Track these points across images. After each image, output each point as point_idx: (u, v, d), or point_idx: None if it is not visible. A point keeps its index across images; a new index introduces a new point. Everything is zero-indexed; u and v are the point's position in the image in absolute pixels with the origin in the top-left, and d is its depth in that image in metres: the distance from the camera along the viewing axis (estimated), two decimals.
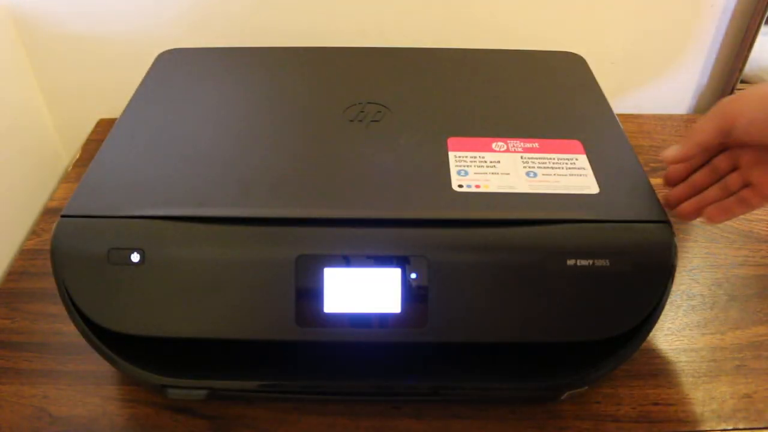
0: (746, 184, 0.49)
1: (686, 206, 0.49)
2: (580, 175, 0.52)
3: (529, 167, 0.52)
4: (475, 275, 0.46)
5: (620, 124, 0.59)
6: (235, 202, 0.49)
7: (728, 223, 0.75)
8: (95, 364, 0.56)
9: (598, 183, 0.51)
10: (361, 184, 0.51)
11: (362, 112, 0.59)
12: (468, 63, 0.70)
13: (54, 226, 0.47)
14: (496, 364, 0.52)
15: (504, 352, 0.52)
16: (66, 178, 0.82)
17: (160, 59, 0.70)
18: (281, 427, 0.53)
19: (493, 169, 0.52)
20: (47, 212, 0.77)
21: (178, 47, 0.72)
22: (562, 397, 0.53)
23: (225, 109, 0.61)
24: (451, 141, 0.55)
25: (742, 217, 0.75)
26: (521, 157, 0.53)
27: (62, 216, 0.47)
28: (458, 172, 0.51)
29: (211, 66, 0.69)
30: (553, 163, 0.53)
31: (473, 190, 0.50)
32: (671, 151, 0.50)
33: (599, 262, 0.46)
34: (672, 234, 0.47)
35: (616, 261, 0.46)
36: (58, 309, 0.49)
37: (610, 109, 0.61)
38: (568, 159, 0.53)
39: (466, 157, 0.53)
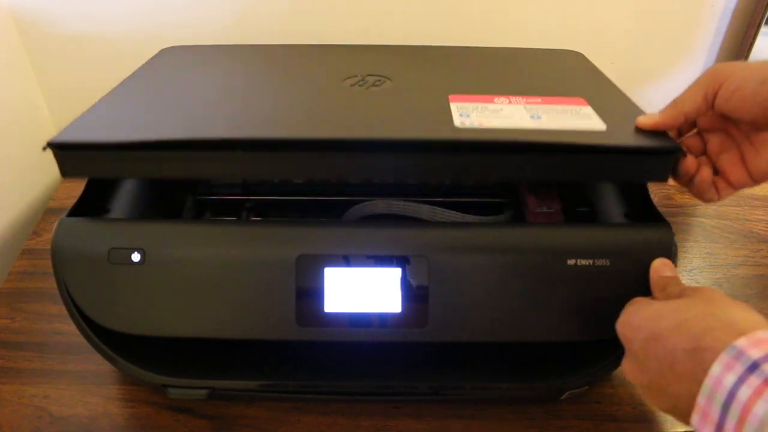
0: (716, 170, 0.48)
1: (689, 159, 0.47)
2: (586, 118, 0.50)
3: (533, 113, 0.50)
4: (475, 275, 0.46)
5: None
6: (232, 129, 0.48)
7: (728, 223, 0.75)
8: (96, 364, 0.57)
9: (605, 124, 0.49)
10: (359, 117, 0.50)
11: (362, 81, 0.58)
12: (469, 56, 0.69)
13: (55, 225, 0.47)
14: (497, 364, 0.52)
15: (504, 352, 0.52)
16: (66, 178, 0.82)
17: (162, 52, 0.69)
18: (281, 427, 0.53)
19: (495, 114, 0.50)
20: (48, 212, 0.77)
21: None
22: (563, 397, 0.53)
23: (224, 81, 0.61)
24: (453, 97, 0.53)
25: (742, 217, 0.76)
26: (525, 107, 0.52)
27: (50, 144, 0.45)
28: (460, 114, 0.50)
29: (213, 57, 0.69)
30: (558, 111, 0.51)
31: (476, 125, 0.48)
32: (648, 118, 0.48)
33: (599, 262, 0.46)
34: (672, 234, 0.47)
35: (616, 261, 0.46)
36: (59, 309, 0.49)
37: (613, 84, 0.60)
38: (572, 108, 0.52)
39: (468, 106, 0.51)
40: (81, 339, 0.48)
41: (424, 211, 0.60)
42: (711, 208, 0.77)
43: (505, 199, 0.63)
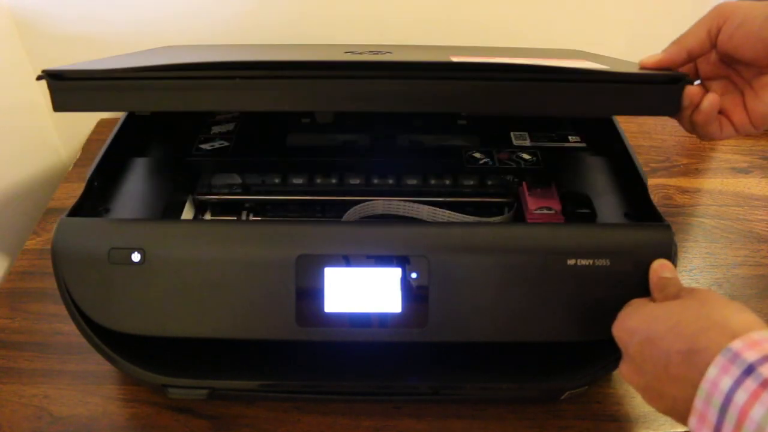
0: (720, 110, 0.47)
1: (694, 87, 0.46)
2: (589, 65, 0.50)
3: (537, 60, 0.50)
4: (475, 275, 0.47)
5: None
6: (229, 58, 0.47)
7: (728, 222, 0.75)
8: (96, 364, 0.57)
9: (608, 66, 0.49)
10: (360, 57, 0.50)
11: (362, 53, 0.57)
12: (470, 50, 0.69)
13: (55, 226, 0.47)
14: (497, 364, 0.52)
15: (504, 351, 0.52)
16: (66, 178, 0.82)
17: (159, 48, 0.69)
18: (281, 427, 0.53)
19: (497, 59, 0.49)
20: (48, 212, 0.77)
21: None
22: (563, 397, 0.53)
23: (222, 51, 0.61)
24: (454, 56, 0.52)
25: (742, 216, 0.76)
26: (526, 60, 0.51)
27: (45, 72, 0.44)
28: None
29: (213, 47, 0.69)
30: (560, 62, 0.51)
31: (476, 60, 0.47)
32: (651, 57, 0.48)
33: (599, 262, 0.46)
34: (672, 234, 0.47)
35: (616, 261, 0.46)
36: (59, 309, 0.49)
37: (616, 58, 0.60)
38: (575, 62, 0.51)
39: (470, 59, 0.50)
40: (81, 339, 0.48)
41: (424, 211, 0.60)
42: (711, 209, 0.77)
43: (505, 199, 0.63)
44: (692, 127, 0.47)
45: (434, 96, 0.45)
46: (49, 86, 0.44)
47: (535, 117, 0.68)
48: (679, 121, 0.48)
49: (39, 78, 0.44)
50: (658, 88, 0.46)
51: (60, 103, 0.45)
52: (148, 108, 0.46)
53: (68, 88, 0.45)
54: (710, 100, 0.45)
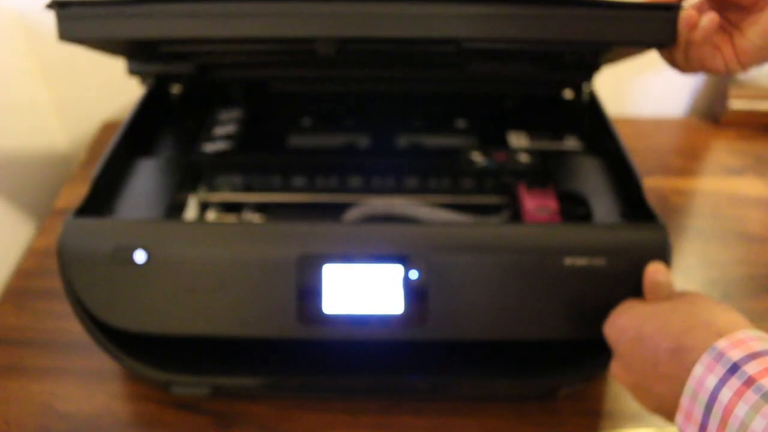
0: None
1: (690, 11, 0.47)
2: None
3: None
4: (474, 274, 0.47)
5: None
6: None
7: (723, 222, 0.75)
8: (101, 362, 0.57)
9: None
10: None
11: None
12: None
13: (61, 226, 0.48)
14: (495, 362, 0.53)
15: (503, 349, 0.53)
16: (72, 179, 0.82)
17: None
18: (283, 424, 0.54)
19: None
20: (54, 213, 0.77)
21: None
22: (559, 394, 0.54)
23: None
24: None
25: (735, 217, 0.76)
26: None
27: (53, 2, 0.44)
28: None
29: None
30: None
31: None
32: None
33: (596, 262, 0.47)
34: (666, 234, 0.48)
35: (612, 260, 0.47)
36: (65, 307, 0.50)
37: None
38: None
39: None
40: (86, 337, 0.49)
41: (424, 211, 0.61)
42: (705, 209, 0.78)
43: (503, 199, 0.63)
44: (686, 54, 0.48)
45: (434, 19, 0.45)
46: (56, 15, 0.45)
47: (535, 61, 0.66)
48: (672, 54, 0.48)
49: (48, 6, 0.44)
50: (654, 15, 0.46)
51: (65, 32, 0.45)
52: (151, 34, 0.45)
53: (73, 15, 0.45)
54: (710, 17, 0.46)
